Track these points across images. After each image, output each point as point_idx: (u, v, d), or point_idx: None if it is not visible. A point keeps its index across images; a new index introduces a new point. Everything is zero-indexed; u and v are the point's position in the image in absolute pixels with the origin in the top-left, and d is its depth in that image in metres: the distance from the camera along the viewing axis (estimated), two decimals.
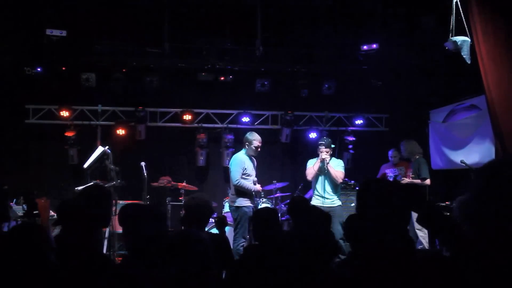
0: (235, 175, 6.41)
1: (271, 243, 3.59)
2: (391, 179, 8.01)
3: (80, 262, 2.58)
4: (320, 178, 6.65)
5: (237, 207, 6.37)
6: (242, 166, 6.45)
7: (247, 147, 6.61)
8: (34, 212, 5.78)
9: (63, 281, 2.40)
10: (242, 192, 6.41)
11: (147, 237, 2.49)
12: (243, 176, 6.42)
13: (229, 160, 9.20)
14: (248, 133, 6.76)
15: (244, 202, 6.38)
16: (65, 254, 2.58)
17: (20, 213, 6.55)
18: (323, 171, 6.59)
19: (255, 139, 6.59)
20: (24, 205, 6.32)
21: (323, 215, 3.63)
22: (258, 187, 6.58)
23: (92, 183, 6.81)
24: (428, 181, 7.11)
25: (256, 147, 6.57)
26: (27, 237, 2.26)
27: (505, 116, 5.40)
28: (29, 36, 7.88)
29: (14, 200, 6.89)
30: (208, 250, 2.29)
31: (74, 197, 3.11)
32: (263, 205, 7.60)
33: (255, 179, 6.58)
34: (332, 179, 6.60)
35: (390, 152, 8.18)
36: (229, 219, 6.74)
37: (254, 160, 6.74)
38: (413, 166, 7.22)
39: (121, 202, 7.70)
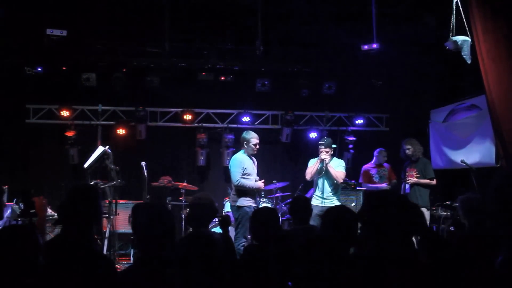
0: (235, 175, 6.39)
1: (270, 243, 3.59)
2: (376, 180, 7.92)
3: (81, 261, 2.58)
4: (320, 178, 6.63)
5: (239, 206, 6.36)
6: (241, 166, 6.43)
7: (245, 146, 6.58)
8: (31, 211, 5.77)
9: (64, 280, 2.40)
10: (243, 191, 6.40)
11: (160, 236, 2.48)
12: (244, 176, 6.41)
13: (230, 160, 9.26)
14: (244, 133, 6.72)
15: (245, 202, 6.37)
16: (66, 253, 2.58)
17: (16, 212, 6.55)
18: (321, 172, 6.57)
19: (252, 137, 6.57)
20: (20, 204, 6.32)
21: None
22: (260, 183, 6.55)
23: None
24: (435, 181, 7.11)
25: (254, 145, 6.54)
26: (13, 238, 2.26)
27: (506, 115, 5.40)
28: (29, 36, 7.88)
29: (15, 200, 6.89)
30: (219, 251, 2.30)
31: (64, 199, 3.11)
32: (263, 205, 7.59)
33: (257, 178, 6.56)
34: (333, 179, 6.59)
35: (377, 151, 8.07)
36: (231, 218, 6.74)
37: (254, 159, 6.72)
38: (418, 165, 7.20)
39: (121, 202, 7.73)
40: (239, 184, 6.34)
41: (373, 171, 7.98)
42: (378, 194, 2.34)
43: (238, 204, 6.37)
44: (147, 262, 2.45)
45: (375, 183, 7.93)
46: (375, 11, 7.70)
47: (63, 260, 2.52)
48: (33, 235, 2.32)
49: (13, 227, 2.56)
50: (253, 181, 6.48)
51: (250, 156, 6.61)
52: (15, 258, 2.21)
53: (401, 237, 2.05)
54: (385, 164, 8.00)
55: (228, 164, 9.10)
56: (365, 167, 8.12)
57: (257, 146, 6.59)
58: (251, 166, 6.55)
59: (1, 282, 2.17)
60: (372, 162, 8.08)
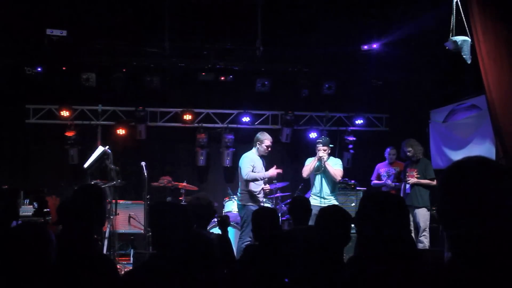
0: (245, 170, 6.47)
1: (270, 243, 3.59)
2: (384, 179, 7.95)
3: (81, 261, 2.58)
4: (318, 178, 6.65)
5: (244, 205, 6.42)
6: (251, 163, 6.54)
7: (258, 146, 6.67)
8: (45, 210, 5.82)
9: (64, 280, 2.39)
10: (250, 193, 6.47)
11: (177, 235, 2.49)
12: None
13: (229, 160, 9.29)
14: (259, 133, 6.86)
15: (250, 201, 6.44)
16: (66, 254, 2.58)
17: (29, 213, 6.57)
18: (319, 169, 6.61)
19: (266, 138, 6.69)
20: (34, 203, 6.35)
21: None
22: (272, 171, 6.57)
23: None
24: (435, 181, 7.12)
25: (267, 146, 6.68)
26: (27, 235, 2.25)
27: (506, 116, 5.40)
28: (29, 36, 7.88)
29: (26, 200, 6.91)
30: (216, 251, 2.31)
31: (68, 197, 3.10)
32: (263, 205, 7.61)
33: (266, 179, 6.69)
34: (331, 177, 6.59)
35: (388, 150, 8.14)
36: (230, 219, 6.76)
37: (263, 160, 6.83)
38: (419, 166, 7.21)
39: (121, 202, 7.73)
40: (249, 177, 6.41)
41: (382, 170, 8.06)
42: (370, 195, 2.35)
43: (243, 202, 6.43)
44: (162, 261, 2.46)
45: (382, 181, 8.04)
46: (375, 11, 7.71)
47: (63, 260, 2.53)
48: (45, 232, 2.30)
49: (26, 224, 2.53)
50: (261, 181, 6.59)
51: (259, 156, 6.66)
52: (27, 255, 2.20)
53: (395, 237, 2.05)
54: (401, 163, 8.00)
55: (228, 163, 9.15)
56: (378, 165, 8.23)
57: (269, 149, 6.68)
58: (260, 165, 6.65)
59: (12, 279, 2.16)
60: (386, 161, 8.17)
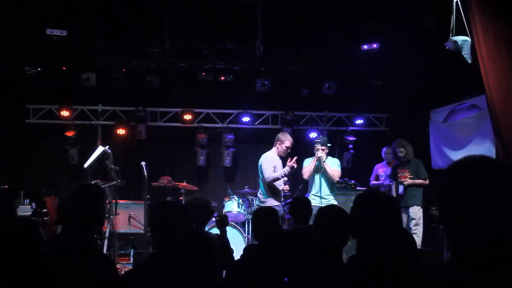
0: (266, 172, 6.44)
1: (270, 243, 3.59)
2: (382, 179, 7.99)
3: (81, 261, 2.58)
4: (317, 177, 6.64)
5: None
6: (272, 164, 6.51)
7: (278, 146, 6.66)
8: (43, 210, 5.82)
9: (64, 280, 2.40)
10: (273, 191, 6.46)
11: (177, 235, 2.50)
12: None
13: (229, 160, 9.29)
14: (280, 133, 6.88)
15: (274, 202, 6.43)
16: (66, 253, 2.58)
17: (28, 213, 6.58)
18: (319, 169, 6.60)
19: (287, 139, 6.68)
20: (33, 204, 6.35)
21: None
22: (291, 164, 6.48)
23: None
24: (428, 181, 7.15)
25: (287, 147, 6.64)
26: (17, 231, 2.27)
27: (506, 115, 5.40)
28: (29, 36, 7.88)
29: (26, 200, 6.92)
30: (216, 251, 2.31)
31: (68, 197, 3.10)
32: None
33: (285, 179, 6.64)
34: (329, 177, 6.59)
35: (384, 150, 8.17)
36: (230, 219, 6.75)
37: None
38: (411, 166, 7.22)
39: (121, 202, 7.73)
40: (270, 179, 6.38)
41: (380, 170, 8.11)
42: (362, 194, 2.37)
43: (267, 204, 6.37)
44: (162, 261, 2.46)
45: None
46: (375, 11, 7.71)
47: (62, 260, 2.53)
48: (34, 226, 2.32)
49: (15, 219, 2.55)
50: (282, 181, 6.56)
51: (279, 156, 6.69)
52: (17, 248, 2.22)
53: (391, 233, 2.05)
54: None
55: (228, 164, 9.12)
56: (377, 166, 8.27)
57: (289, 150, 6.68)
58: (280, 165, 6.62)
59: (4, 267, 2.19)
60: (384, 161, 8.22)
